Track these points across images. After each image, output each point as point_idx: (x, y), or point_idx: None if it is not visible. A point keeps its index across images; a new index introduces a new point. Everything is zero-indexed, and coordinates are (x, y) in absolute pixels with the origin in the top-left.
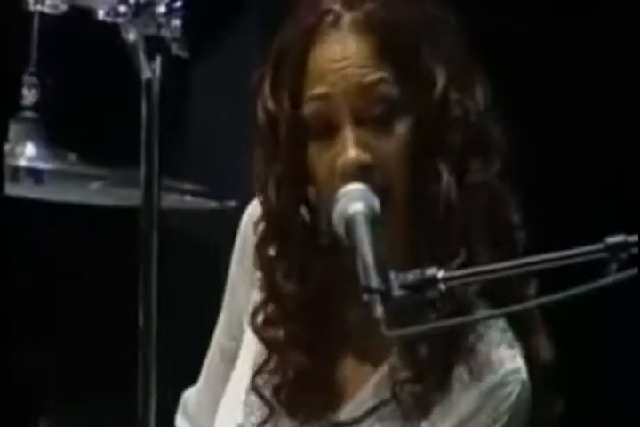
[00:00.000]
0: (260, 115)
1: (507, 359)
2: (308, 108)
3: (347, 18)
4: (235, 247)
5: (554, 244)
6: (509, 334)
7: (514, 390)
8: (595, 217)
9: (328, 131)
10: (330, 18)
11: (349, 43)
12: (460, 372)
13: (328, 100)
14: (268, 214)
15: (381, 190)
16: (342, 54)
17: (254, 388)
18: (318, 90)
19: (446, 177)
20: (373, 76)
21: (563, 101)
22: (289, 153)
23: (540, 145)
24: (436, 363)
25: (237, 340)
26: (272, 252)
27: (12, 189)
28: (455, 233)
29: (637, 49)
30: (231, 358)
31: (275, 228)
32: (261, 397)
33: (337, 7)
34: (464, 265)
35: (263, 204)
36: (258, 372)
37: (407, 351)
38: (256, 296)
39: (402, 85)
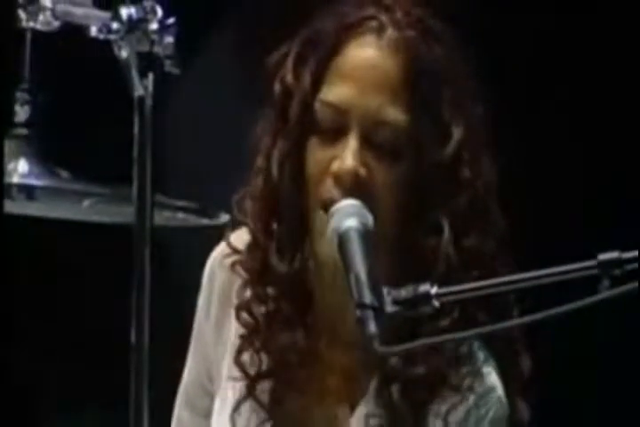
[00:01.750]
0: (277, 87)
1: (483, 377)
2: (320, 111)
3: (389, 32)
4: (201, 294)
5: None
6: (485, 352)
7: (490, 408)
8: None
9: (335, 132)
10: (373, 24)
11: (382, 54)
12: (437, 404)
13: (340, 112)
14: (266, 189)
15: (370, 209)
16: (370, 62)
17: (238, 363)
18: (333, 96)
19: (447, 233)
20: (386, 100)
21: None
22: (296, 131)
23: (540, 148)
24: (413, 403)
25: (209, 394)
26: (264, 228)
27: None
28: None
29: (637, 49)
30: (203, 414)
31: (271, 203)
32: (246, 374)
33: (383, 18)
34: (459, 321)
35: (264, 178)
36: (240, 351)
37: (383, 389)
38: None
39: (414, 124)
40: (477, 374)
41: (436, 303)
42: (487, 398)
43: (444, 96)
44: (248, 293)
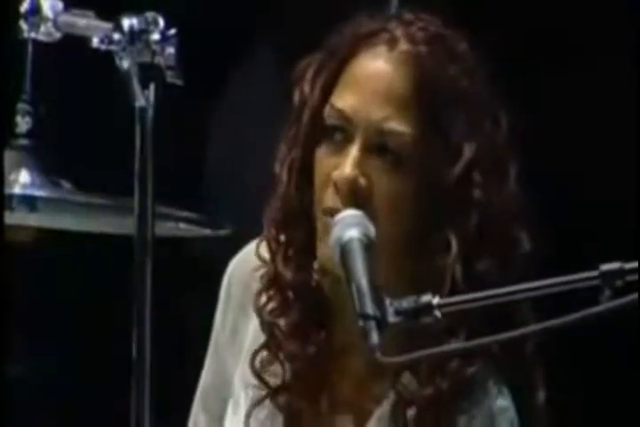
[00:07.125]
0: (295, 97)
1: (494, 397)
2: (328, 115)
3: (401, 45)
4: (219, 300)
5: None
6: (499, 387)
7: None
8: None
9: (341, 140)
10: (385, 36)
11: (390, 66)
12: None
13: (345, 119)
14: (280, 197)
15: (369, 219)
16: (378, 73)
17: (253, 368)
18: (340, 103)
19: (455, 253)
20: (390, 112)
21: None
22: (306, 139)
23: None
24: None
25: (224, 398)
26: (276, 235)
27: (5, 217)
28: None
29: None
30: (218, 418)
31: (282, 211)
32: (260, 378)
33: (397, 32)
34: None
35: (277, 186)
36: (255, 353)
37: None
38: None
39: (419, 139)
40: (491, 412)
41: (438, 314)
42: (499, 417)
43: (455, 115)
44: (263, 299)
